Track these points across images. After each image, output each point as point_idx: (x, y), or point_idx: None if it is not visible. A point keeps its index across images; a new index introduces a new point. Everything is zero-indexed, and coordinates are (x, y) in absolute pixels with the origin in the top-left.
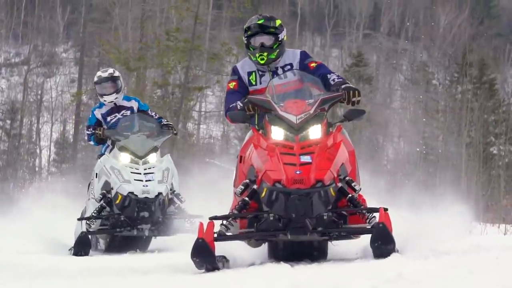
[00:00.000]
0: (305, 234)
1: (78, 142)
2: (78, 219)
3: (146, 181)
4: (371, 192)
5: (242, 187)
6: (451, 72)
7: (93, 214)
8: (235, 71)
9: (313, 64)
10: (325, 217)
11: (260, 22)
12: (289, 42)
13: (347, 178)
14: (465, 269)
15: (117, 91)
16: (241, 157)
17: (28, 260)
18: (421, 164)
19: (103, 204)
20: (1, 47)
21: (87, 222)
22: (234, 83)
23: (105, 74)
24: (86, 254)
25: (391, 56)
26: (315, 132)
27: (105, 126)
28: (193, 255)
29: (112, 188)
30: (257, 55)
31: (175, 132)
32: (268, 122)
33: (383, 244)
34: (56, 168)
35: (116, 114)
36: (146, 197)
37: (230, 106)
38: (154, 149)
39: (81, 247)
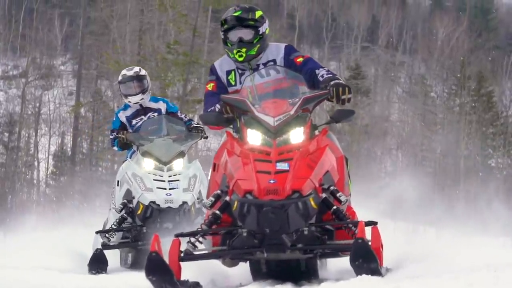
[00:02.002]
0: (283, 252)
1: (76, 155)
2: (96, 232)
3: (169, 189)
4: (365, 205)
5: (213, 199)
6: (449, 84)
7: (112, 226)
8: (212, 71)
9: (299, 59)
10: (305, 232)
11: (237, 14)
12: None
13: (331, 188)
14: (464, 283)
15: (143, 91)
16: (214, 164)
17: (43, 278)
18: (419, 176)
19: (124, 215)
20: None
21: (106, 235)
22: (212, 84)
23: (130, 73)
24: (103, 271)
25: (389, 69)
26: (296, 135)
27: (130, 130)
28: (147, 273)
29: (133, 197)
30: (234, 51)
31: (205, 135)
32: (243, 125)
33: (364, 263)
34: (54, 181)
35: (142, 116)
36: (169, 207)
37: (209, 110)
38: (181, 154)
39: (97, 264)
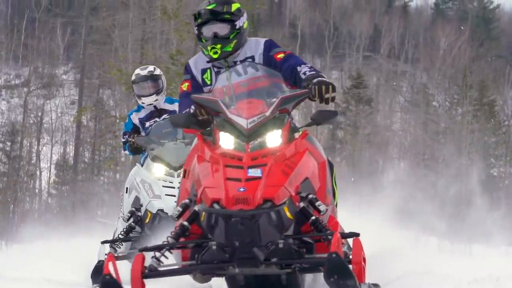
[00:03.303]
0: (256, 267)
1: (78, 164)
2: (102, 242)
3: None
4: (368, 214)
5: (180, 209)
6: (451, 93)
7: (119, 235)
8: (187, 69)
9: (280, 55)
10: (281, 245)
11: (211, 7)
12: None
13: (310, 196)
14: None
15: (158, 92)
16: (185, 170)
17: None
18: (420, 185)
19: (132, 224)
20: (1, 69)
21: (111, 245)
22: (187, 84)
23: (144, 72)
24: None
25: (391, 78)
26: (272, 139)
27: (143, 133)
28: None
29: (141, 205)
30: (208, 48)
31: None
32: (216, 128)
33: (340, 279)
34: (56, 190)
35: (157, 118)
36: None
37: (184, 112)
38: None
39: (98, 277)
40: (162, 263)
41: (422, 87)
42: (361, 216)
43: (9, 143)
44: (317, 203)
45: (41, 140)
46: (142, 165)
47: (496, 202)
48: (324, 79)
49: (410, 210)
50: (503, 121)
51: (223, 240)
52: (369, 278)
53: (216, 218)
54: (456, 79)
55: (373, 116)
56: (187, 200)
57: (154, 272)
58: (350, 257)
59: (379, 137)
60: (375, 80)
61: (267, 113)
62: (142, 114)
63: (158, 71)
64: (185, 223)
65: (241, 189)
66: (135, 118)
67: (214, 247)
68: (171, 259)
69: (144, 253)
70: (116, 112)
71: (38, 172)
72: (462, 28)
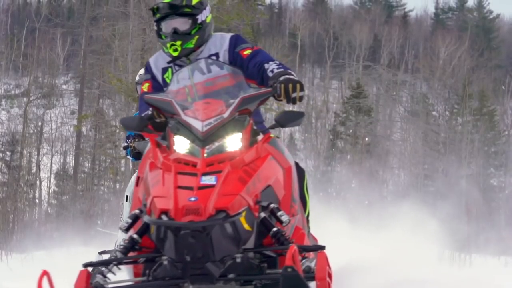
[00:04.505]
0: (211, 283)
1: (78, 173)
2: (100, 253)
3: None
4: (367, 224)
5: (129, 220)
6: (451, 103)
7: (118, 246)
8: (147, 69)
9: (246, 52)
10: (238, 260)
11: (169, 0)
12: None
13: (271, 206)
14: None
15: None
16: (138, 178)
17: None
18: (421, 196)
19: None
20: (1, 79)
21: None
22: (147, 84)
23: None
24: None
25: (391, 88)
26: (230, 143)
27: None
28: None
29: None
30: (168, 45)
31: None
32: (170, 131)
33: None
34: (56, 200)
35: None
36: None
37: (143, 114)
38: None
39: None
40: (109, 279)
41: (422, 97)
42: (358, 224)
43: (9, 153)
44: (279, 213)
45: (41, 150)
46: None
47: (496, 212)
48: (291, 77)
49: (409, 220)
50: (503, 131)
51: (173, 255)
52: (368, 286)
53: (165, 231)
54: (456, 89)
55: (373, 126)
56: (137, 211)
57: None
58: (314, 272)
59: (379, 147)
60: (375, 90)
61: (225, 115)
62: None
63: None
64: (135, 236)
65: (192, 199)
66: None
67: (166, 263)
68: (120, 275)
69: (89, 268)
70: (116, 121)
71: (38, 182)
72: (462, 37)
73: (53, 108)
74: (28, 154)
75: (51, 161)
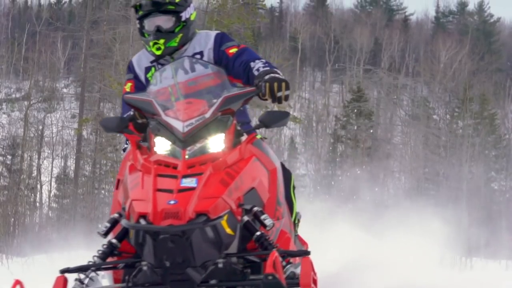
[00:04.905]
0: None
1: (79, 177)
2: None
3: None
4: (368, 228)
5: (108, 225)
6: (452, 107)
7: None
8: (130, 68)
9: (232, 50)
10: (220, 265)
11: None
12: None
13: (255, 209)
14: None
15: None
16: (118, 181)
17: None
18: (421, 199)
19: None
20: (2, 83)
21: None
22: (130, 84)
23: None
24: None
25: (392, 92)
26: (213, 144)
27: None
28: None
29: None
30: (151, 43)
31: None
32: (151, 132)
33: None
34: (57, 204)
35: None
36: None
37: (125, 115)
38: None
39: None
40: (87, 286)
41: (422, 100)
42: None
43: (9, 157)
44: (262, 217)
45: (41, 153)
46: None
47: (497, 216)
48: (277, 75)
49: (412, 222)
50: (504, 135)
51: (152, 260)
52: None
53: (143, 236)
54: (457, 92)
55: (373, 129)
56: (116, 215)
57: None
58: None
59: (379, 151)
60: (376, 94)
61: (207, 115)
62: None
63: None
64: (114, 240)
65: (172, 202)
66: None
67: (145, 268)
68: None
69: (66, 274)
70: None
71: (38, 186)
72: (463, 41)
73: (53, 111)
74: (28, 158)
75: (52, 165)
